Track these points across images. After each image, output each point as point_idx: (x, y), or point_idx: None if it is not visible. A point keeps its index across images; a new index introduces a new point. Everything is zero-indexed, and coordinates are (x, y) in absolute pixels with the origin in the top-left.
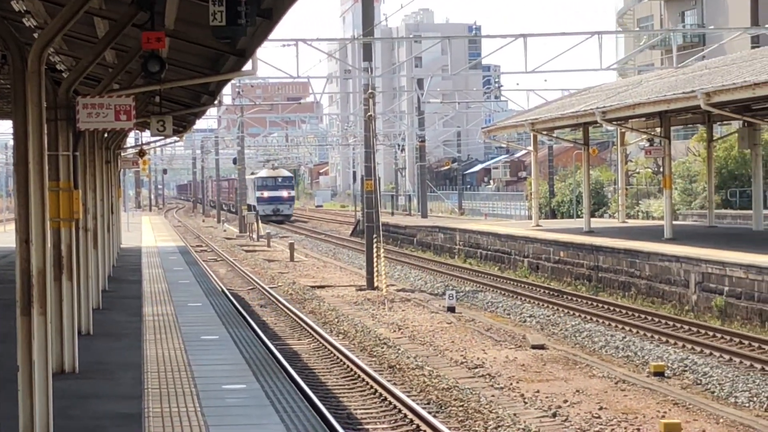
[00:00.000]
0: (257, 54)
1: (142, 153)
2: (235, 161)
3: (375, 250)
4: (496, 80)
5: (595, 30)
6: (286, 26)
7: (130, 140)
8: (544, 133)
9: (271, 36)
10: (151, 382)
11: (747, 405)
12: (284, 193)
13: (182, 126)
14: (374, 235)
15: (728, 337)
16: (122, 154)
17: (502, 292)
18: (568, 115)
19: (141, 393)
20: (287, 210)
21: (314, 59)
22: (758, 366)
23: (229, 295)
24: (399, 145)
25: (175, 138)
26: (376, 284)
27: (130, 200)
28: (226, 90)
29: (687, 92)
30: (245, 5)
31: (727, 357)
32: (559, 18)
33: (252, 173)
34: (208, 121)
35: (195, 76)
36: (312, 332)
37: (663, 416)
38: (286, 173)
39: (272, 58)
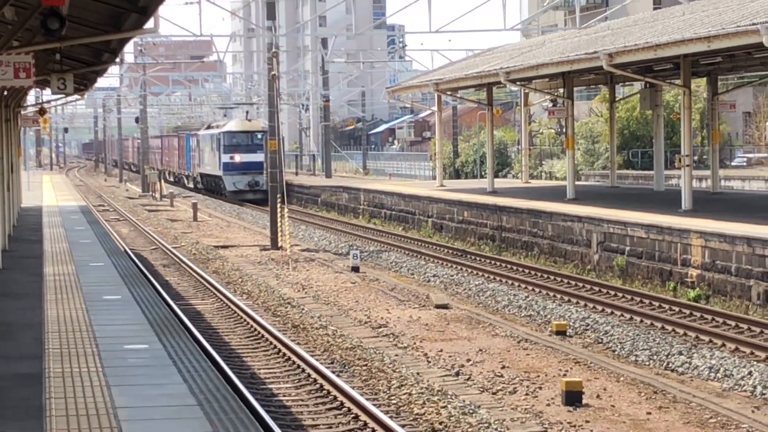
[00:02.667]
0: (159, 12)
1: (42, 111)
2: (137, 120)
3: (279, 210)
4: (401, 40)
5: None
6: None
7: (31, 98)
8: (449, 93)
9: None
10: (51, 343)
11: (647, 363)
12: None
13: (83, 84)
14: (278, 195)
15: (629, 297)
16: (22, 112)
17: (406, 252)
18: (472, 76)
19: (42, 353)
20: None
21: (217, 17)
22: (658, 325)
23: (132, 255)
24: (303, 105)
25: (77, 96)
26: (280, 244)
27: (31, 159)
28: (128, 48)
29: (589, 53)
30: None
31: (627, 316)
32: None
33: (210, 126)
34: (110, 79)
35: (96, 34)
36: (215, 292)
37: (564, 374)
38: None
39: (175, 16)
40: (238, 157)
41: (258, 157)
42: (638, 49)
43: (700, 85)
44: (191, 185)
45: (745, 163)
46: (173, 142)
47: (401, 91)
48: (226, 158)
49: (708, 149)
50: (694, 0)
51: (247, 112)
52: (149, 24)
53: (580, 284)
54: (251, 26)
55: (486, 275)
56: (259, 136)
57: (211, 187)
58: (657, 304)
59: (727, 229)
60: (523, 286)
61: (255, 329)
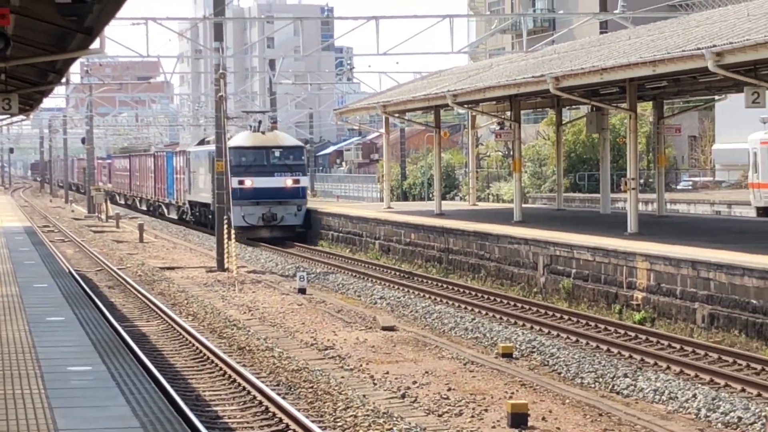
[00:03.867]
0: (105, 32)
1: None
2: (83, 141)
3: (225, 231)
4: (349, 62)
5: (446, 13)
6: (135, 4)
7: None
8: (396, 115)
9: (120, 14)
10: None
11: (593, 386)
12: (287, 181)
13: (29, 104)
14: (225, 217)
15: (575, 319)
16: None
17: (354, 274)
18: (419, 98)
19: None
20: (293, 216)
21: (164, 38)
22: (604, 347)
23: (77, 276)
24: (251, 126)
25: (22, 116)
26: (226, 266)
27: None
28: (75, 68)
29: (536, 76)
30: None
31: (573, 338)
32: (411, 1)
33: (204, 141)
34: (56, 99)
35: (41, 54)
36: (161, 314)
37: (510, 397)
38: (291, 139)
39: (121, 37)
40: (250, 182)
41: (277, 181)
42: (584, 72)
43: (646, 108)
44: (173, 215)
45: (690, 187)
46: (148, 163)
47: (349, 113)
48: (233, 183)
49: (654, 173)
50: (641, 25)
51: (259, 123)
52: (95, 44)
53: (527, 307)
54: (199, 47)
55: (433, 297)
56: (277, 153)
57: (205, 219)
58: (603, 326)
59: (672, 252)
60: (469, 308)
61: (200, 351)
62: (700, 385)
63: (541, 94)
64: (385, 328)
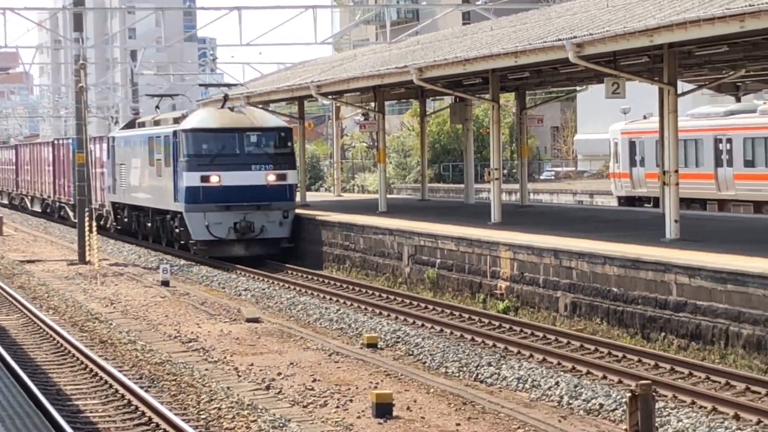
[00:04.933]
0: None
1: None
2: None
3: (87, 223)
4: (212, 53)
5: (310, 4)
6: None
7: None
8: (260, 106)
9: None
10: None
11: (457, 375)
12: (269, 176)
13: None
14: (86, 209)
15: (440, 309)
16: None
17: (217, 266)
18: (283, 89)
19: None
20: (277, 226)
21: (23, 28)
22: (468, 336)
23: None
24: (113, 118)
25: None
26: (88, 258)
27: None
28: None
29: (400, 67)
30: None
31: (438, 328)
32: None
33: (135, 123)
34: None
35: None
36: (20, 307)
37: (375, 387)
38: (272, 119)
39: None
40: (216, 178)
41: (255, 177)
42: (447, 63)
43: (509, 99)
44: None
45: (553, 177)
46: (43, 154)
47: (212, 104)
48: (192, 179)
49: (517, 163)
50: (503, 16)
51: (225, 97)
52: None
53: (392, 297)
54: (58, 38)
55: (297, 288)
56: (253, 138)
57: (144, 229)
58: (467, 316)
59: (535, 241)
60: (334, 299)
61: (61, 345)
62: (562, 373)
63: (405, 85)
64: (249, 320)
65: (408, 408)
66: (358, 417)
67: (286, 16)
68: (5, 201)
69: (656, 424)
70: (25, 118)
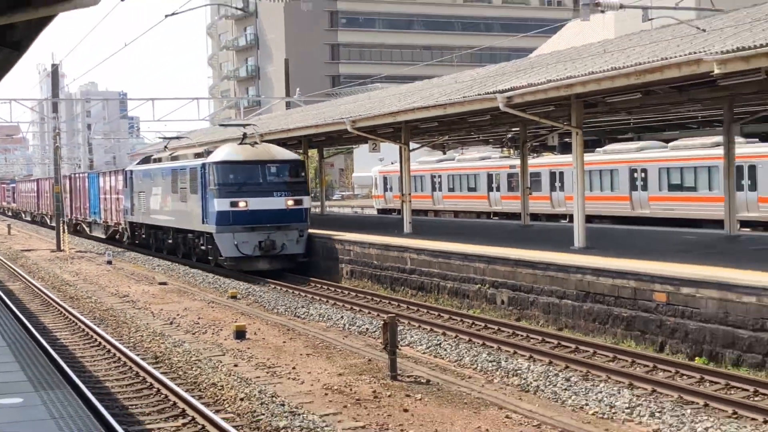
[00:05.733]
0: None
1: None
2: None
3: (61, 227)
4: (137, 125)
5: (196, 96)
6: (2, 87)
7: None
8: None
9: None
10: None
11: (284, 313)
12: (288, 201)
13: None
14: (62, 218)
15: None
16: None
17: (140, 251)
18: (183, 146)
19: None
20: (294, 243)
21: (22, 110)
22: (291, 291)
23: None
24: (78, 164)
25: None
26: (63, 248)
27: None
28: None
29: (250, 135)
30: None
31: (272, 286)
32: (176, 84)
33: (171, 152)
34: None
35: None
36: (21, 278)
37: (235, 321)
38: (286, 152)
39: None
40: (244, 203)
41: (277, 202)
42: (277, 131)
43: (313, 153)
44: (99, 234)
45: (340, 198)
46: (30, 185)
47: (137, 156)
48: (222, 204)
49: (319, 189)
50: (311, 104)
51: (244, 135)
52: None
53: None
54: (44, 116)
55: (190, 264)
56: (273, 169)
57: (161, 244)
58: (292, 279)
59: (336, 235)
60: (210, 271)
61: (47, 300)
62: (345, 311)
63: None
64: (161, 283)
65: (255, 333)
66: (225, 339)
67: (182, 103)
68: (28, 218)
69: (399, 339)
70: (24, 164)
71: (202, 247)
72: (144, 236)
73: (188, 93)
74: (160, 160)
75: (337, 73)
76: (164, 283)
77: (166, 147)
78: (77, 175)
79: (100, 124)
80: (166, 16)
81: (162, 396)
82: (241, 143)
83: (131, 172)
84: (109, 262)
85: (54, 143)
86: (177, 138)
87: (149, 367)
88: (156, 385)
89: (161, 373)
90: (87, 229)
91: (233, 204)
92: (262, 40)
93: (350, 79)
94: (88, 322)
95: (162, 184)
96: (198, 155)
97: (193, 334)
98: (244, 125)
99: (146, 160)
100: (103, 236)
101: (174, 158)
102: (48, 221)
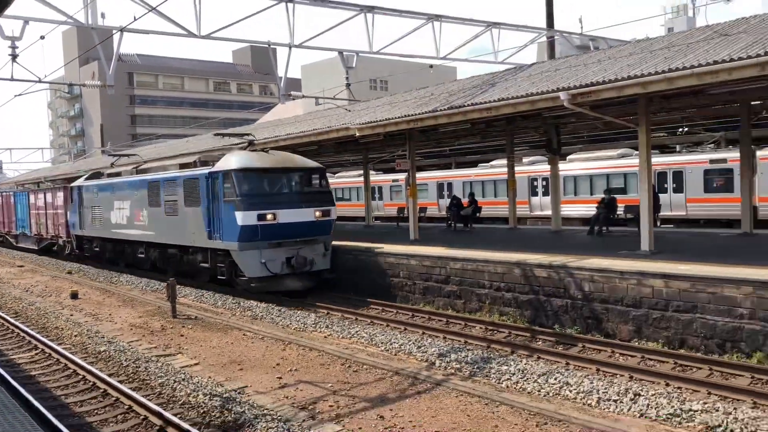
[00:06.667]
0: None
1: None
2: None
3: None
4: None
5: (40, 147)
6: None
7: None
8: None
9: None
10: None
11: (101, 281)
12: (316, 213)
13: None
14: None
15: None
16: None
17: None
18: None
19: None
20: (321, 257)
21: None
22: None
23: None
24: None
25: None
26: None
27: None
28: None
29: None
30: None
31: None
32: (25, 141)
33: (135, 166)
34: None
35: None
36: None
37: (71, 287)
38: (305, 160)
39: None
40: (271, 216)
41: (306, 214)
42: (280, 138)
43: None
44: (30, 245)
45: None
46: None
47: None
48: (248, 218)
49: None
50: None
51: (251, 142)
52: None
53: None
54: None
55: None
56: (297, 178)
57: (130, 258)
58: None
59: None
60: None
61: None
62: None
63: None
64: (18, 266)
65: (84, 294)
66: (64, 299)
67: (32, 151)
68: None
69: (178, 296)
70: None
71: (203, 265)
72: (97, 249)
73: (36, 145)
74: (118, 174)
75: (136, 132)
76: (21, 266)
77: (112, 164)
78: (1, 194)
79: None
80: (16, 95)
81: (21, 337)
82: (251, 149)
83: (79, 188)
84: (21, 266)
85: None
86: (126, 155)
87: (11, 319)
88: (15, 330)
89: (20, 322)
90: (13, 241)
91: (261, 217)
92: (86, 112)
93: (144, 136)
94: (9, 318)
95: (130, 197)
96: (185, 165)
97: (42, 297)
98: (241, 135)
99: (96, 175)
100: (35, 247)
101: (142, 171)
102: None
